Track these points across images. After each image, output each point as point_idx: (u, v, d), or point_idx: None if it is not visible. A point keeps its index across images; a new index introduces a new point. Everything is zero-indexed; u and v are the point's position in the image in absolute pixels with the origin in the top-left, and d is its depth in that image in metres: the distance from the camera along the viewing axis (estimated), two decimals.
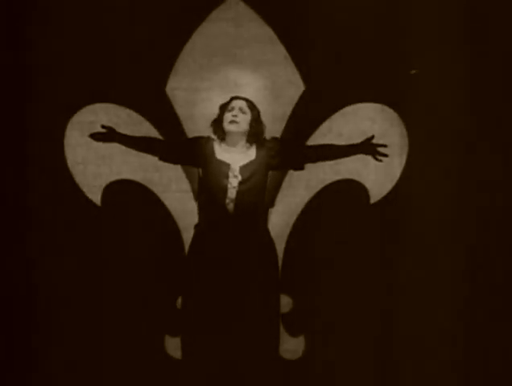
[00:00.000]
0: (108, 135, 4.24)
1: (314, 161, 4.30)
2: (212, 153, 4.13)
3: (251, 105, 4.16)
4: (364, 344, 4.55)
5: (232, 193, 4.07)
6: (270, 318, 4.20)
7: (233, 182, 4.08)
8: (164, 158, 4.25)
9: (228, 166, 4.09)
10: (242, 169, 4.10)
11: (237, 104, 4.13)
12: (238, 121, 4.10)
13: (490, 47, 4.48)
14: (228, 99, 4.15)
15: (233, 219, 4.07)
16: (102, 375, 4.52)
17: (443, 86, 4.50)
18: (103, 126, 4.23)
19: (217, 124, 4.16)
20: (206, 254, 4.14)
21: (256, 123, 4.14)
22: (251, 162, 4.12)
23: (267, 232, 4.26)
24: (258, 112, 4.17)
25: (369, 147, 4.28)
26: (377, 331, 4.54)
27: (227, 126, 4.11)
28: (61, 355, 4.53)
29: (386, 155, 4.27)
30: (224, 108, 4.17)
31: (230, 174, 4.08)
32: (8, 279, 4.50)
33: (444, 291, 4.54)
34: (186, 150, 4.22)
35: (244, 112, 4.12)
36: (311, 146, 4.39)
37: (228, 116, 4.11)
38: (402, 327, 4.53)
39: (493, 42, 4.49)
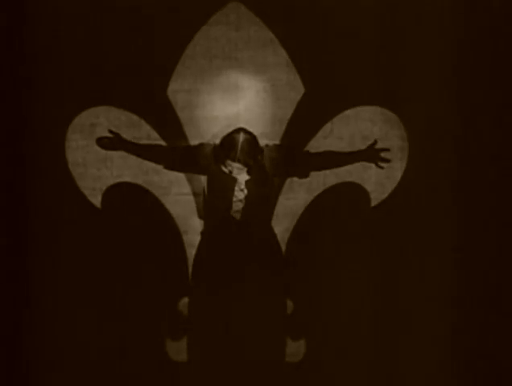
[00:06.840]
0: (113, 142, 4.26)
1: (318, 169, 4.34)
2: None
3: (246, 162, 4.06)
4: (365, 348, 4.55)
5: (237, 205, 4.10)
6: (275, 323, 4.21)
7: (239, 195, 4.11)
8: (169, 166, 4.29)
9: (234, 180, 4.11)
10: (248, 182, 4.14)
11: (234, 165, 4.07)
12: (237, 175, 4.13)
13: (492, 48, 4.50)
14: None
15: (240, 225, 4.09)
16: (101, 379, 4.51)
17: (443, 88, 4.51)
18: (110, 131, 4.25)
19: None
20: (213, 259, 4.15)
21: (255, 169, 4.13)
22: (257, 175, 4.16)
23: (274, 236, 4.27)
24: (259, 156, 4.12)
25: (372, 154, 4.29)
26: (379, 335, 4.54)
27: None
28: (60, 359, 4.52)
29: (388, 161, 4.28)
30: (222, 151, 4.09)
31: (236, 188, 4.11)
32: (7, 282, 4.48)
33: (447, 294, 4.54)
34: (191, 159, 4.24)
35: (241, 169, 4.09)
36: (314, 154, 4.37)
37: (227, 168, 4.09)
38: (403, 331, 4.53)
39: (495, 43, 4.51)
